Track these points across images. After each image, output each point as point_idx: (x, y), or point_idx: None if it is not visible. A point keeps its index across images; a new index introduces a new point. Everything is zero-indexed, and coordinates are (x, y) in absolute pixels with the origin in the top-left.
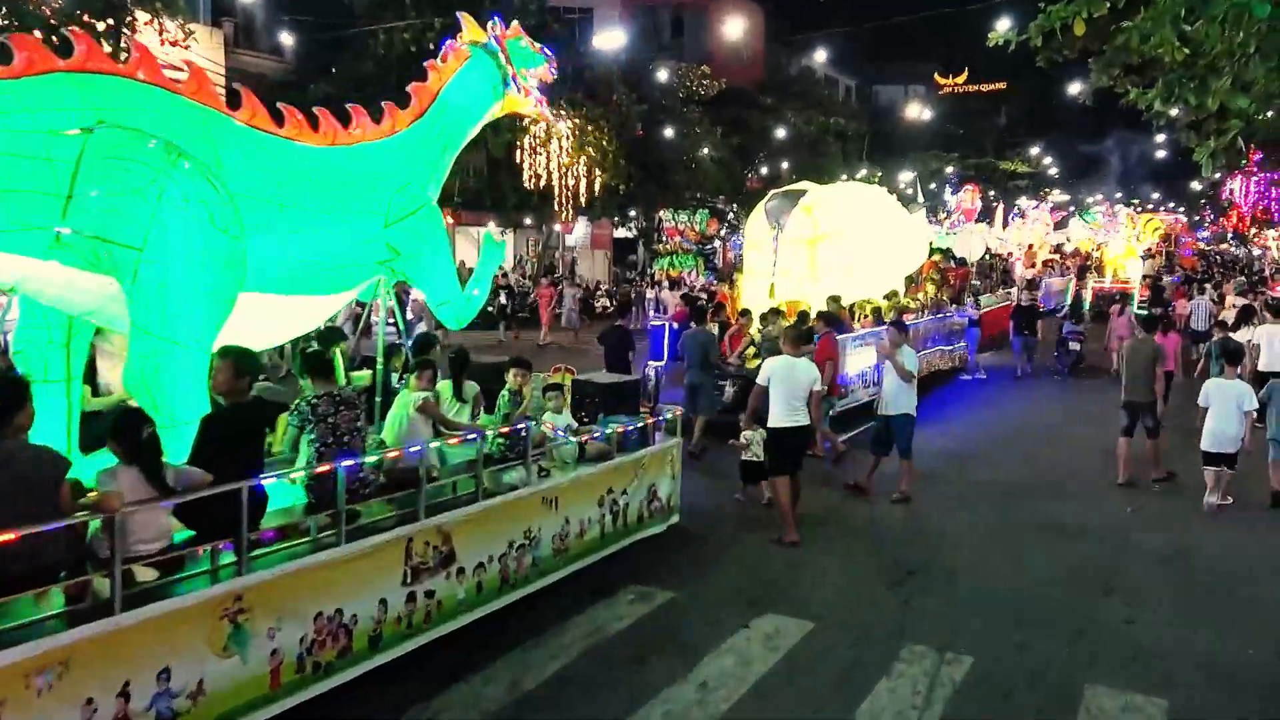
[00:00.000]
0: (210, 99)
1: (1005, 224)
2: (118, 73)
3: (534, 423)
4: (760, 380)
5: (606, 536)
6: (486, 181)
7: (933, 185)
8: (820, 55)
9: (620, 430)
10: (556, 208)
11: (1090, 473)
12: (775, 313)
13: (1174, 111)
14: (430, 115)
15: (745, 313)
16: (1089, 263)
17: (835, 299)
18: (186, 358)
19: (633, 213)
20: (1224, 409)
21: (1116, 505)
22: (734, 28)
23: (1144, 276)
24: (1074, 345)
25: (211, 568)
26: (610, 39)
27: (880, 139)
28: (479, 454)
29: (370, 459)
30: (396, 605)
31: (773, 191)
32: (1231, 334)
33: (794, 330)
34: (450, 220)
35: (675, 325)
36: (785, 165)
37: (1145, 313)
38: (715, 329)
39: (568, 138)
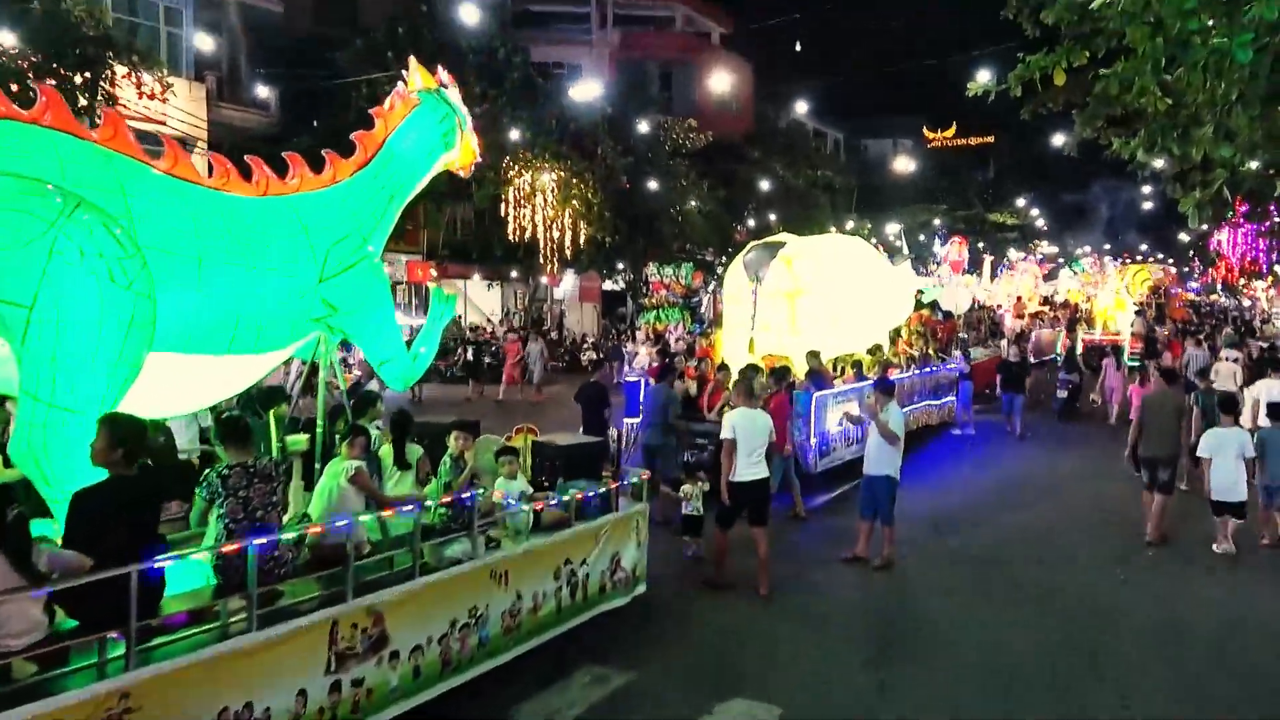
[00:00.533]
0: (125, 146)
1: (994, 276)
2: (18, 118)
3: (480, 490)
4: (725, 434)
5: (564, 611)
6: (474, 233)
7: (921, 237)
8: (808, 109)
9: (578, 496)
10: (542, 260)
11: (1081, 536)
12: (753, 368)
13: (1159, 163)
14: (375, 164)
15: (724, 368)
16: (1078, 314)
17: (815, 354)
18: (80, 426)
19: (620, 265)
20: (1226, 458)
21: (1107, 570)
22: (721, 82)
23: (1133, 328)
24: (1061, 393)
25: (99, 661)
26: (587, 90)
27: (869, 191)
28: (416, 526)
29: (288, 535)
30: (318, 697)
31: (752, 244)
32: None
33: (744, 383)
34: (435, 272)
35: (651, 381)
36: (773, 217)
37: (1138, 363)
38: (694, 385)
39: (552, 190)
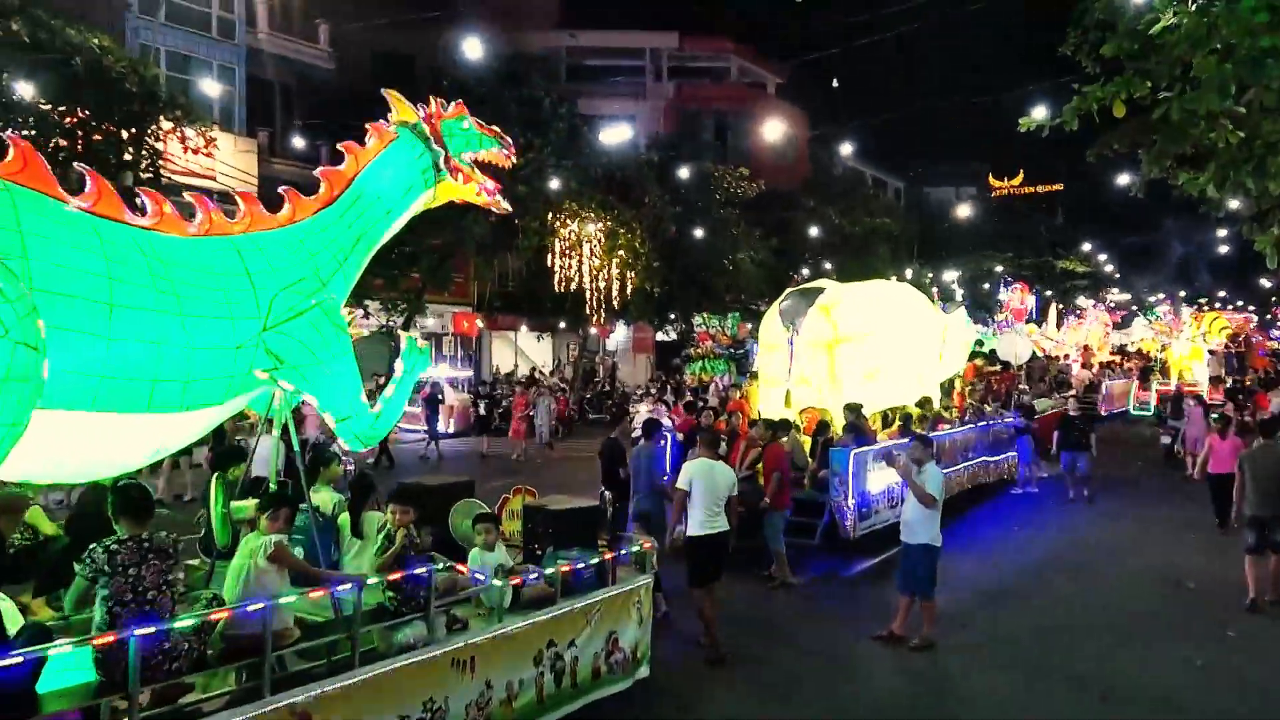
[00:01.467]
0: (35, 181)
1: (1060, 324)
2: None
3: (441, 566)
4: (681, 484)
5: (548, 700)
6: (522, 284)
7: (986, 286)
8: (865, 157)
9: (566, 569)
10: (588, 311)
11: (1146, 613)
12: (786, 424)
13: (1235, 204)
14: (341, 203)
15: (755, 423)
16: (1151, 364)
17: (854, 407)
18: None
19: (672, 316)
20: None
21: (1180, 656)
22: (776, 131)
23: (1212, 378)
24: (1165, 439)
25: None
26: (620, 133)
27: (930, 240)
28: (356, 608)
29: (184, 621)
30: None
31: (789, 290)
32: None
33: (709, 434)
34: (482, 324)
35: (680, 436)
36: (828, 266)
37: (1217, 414)
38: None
39: (598, 240)
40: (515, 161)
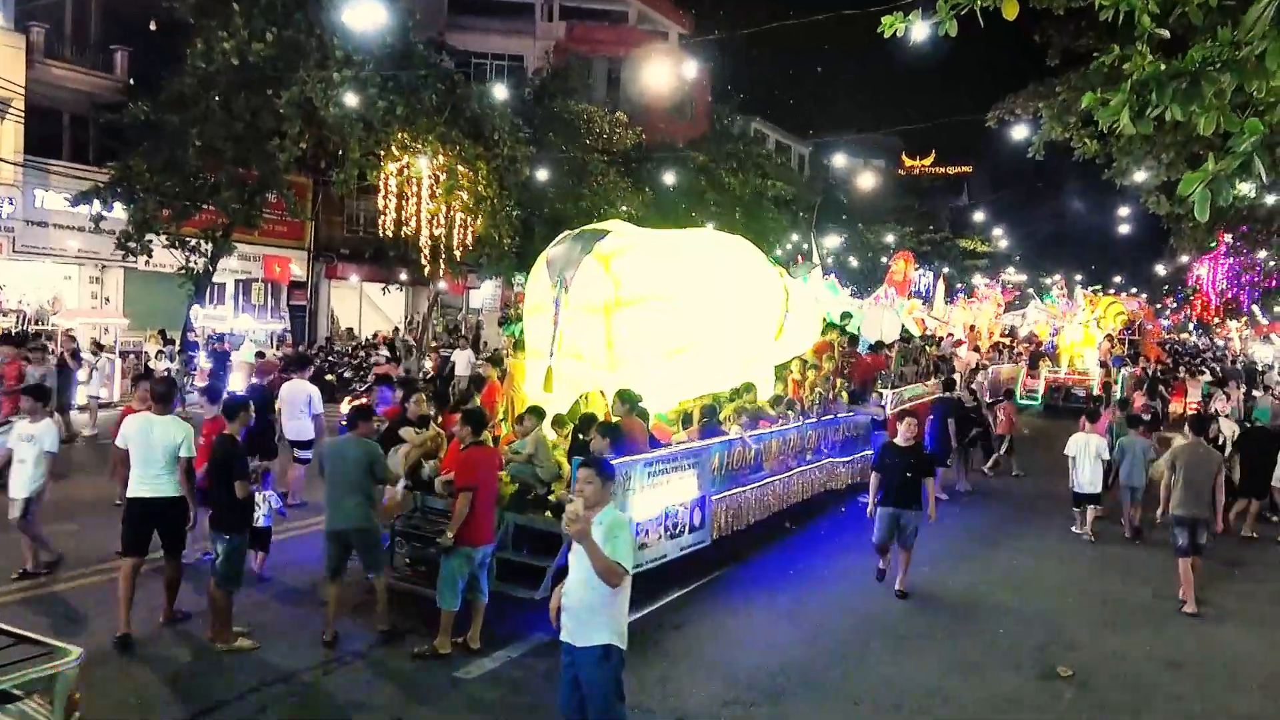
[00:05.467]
0: None
1: (949, 300)
2: None
3: None
4: (119, 442)
5: None
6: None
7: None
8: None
9: None
10: (423, 261)
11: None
12: (534, 413)
13: (1140, 176)
14: None
15: (533, 412)
16: (1040, 349)
17: (629, 398)
18: None
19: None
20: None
21: None
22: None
23: (1101, 363)
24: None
25: None
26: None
27: (833, 210)
28: None
29: None
30: None
31: (565, 233)
32: None
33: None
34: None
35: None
36: (713, 227)
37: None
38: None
39: (436, 179)
40: None
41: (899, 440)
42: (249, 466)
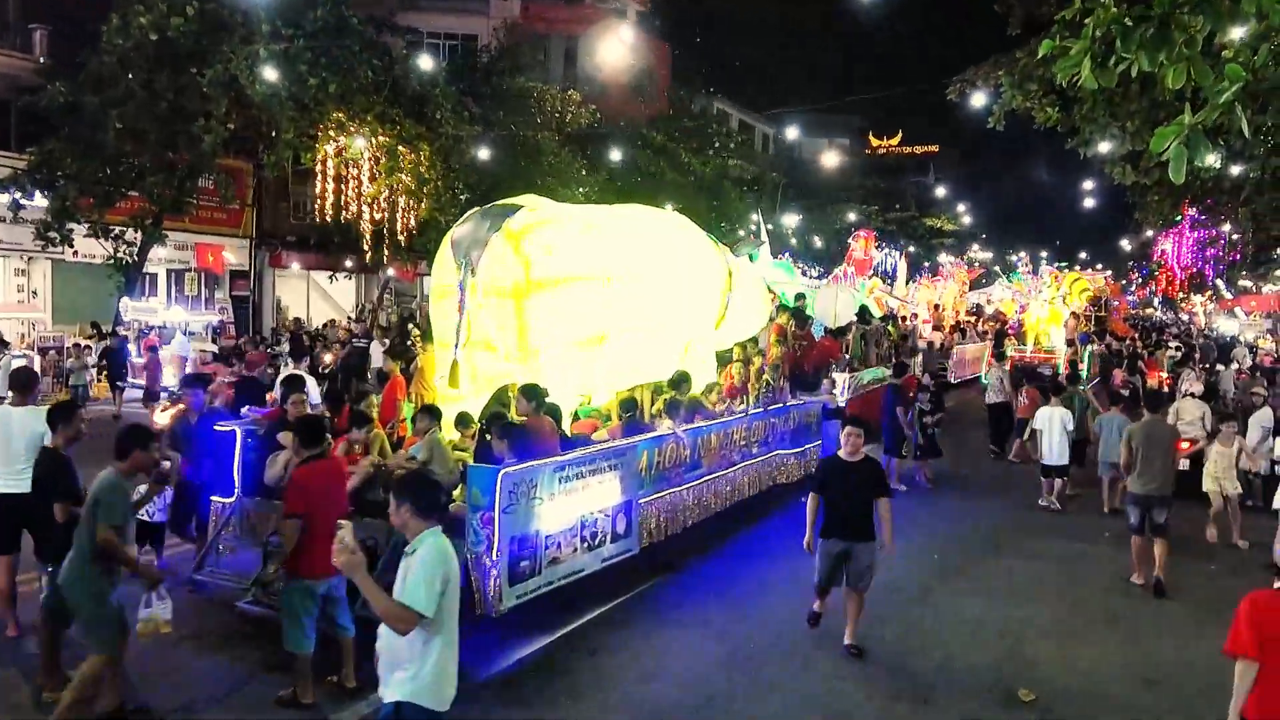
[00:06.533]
0: None
1: (910, 280)
2: None
3: None
4: None
5: None
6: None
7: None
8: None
9: None
10: (364, 246)
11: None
12: (428, 413)
13: (1104, 147)
14: None
15: (430, 410)
16: (1006, 327)
17: (535, 393)
18: None
19: None
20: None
21: None
22: (631, 61)
23: (1068, 341)
24: None
25: None
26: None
27: (799, 190)
28: None
29: None
30: None
31: (474, 210)
32: None
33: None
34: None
35: (261, 432)
36: (671, 207)
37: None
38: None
39: (376, 160)
40: None
41: (843, 453)
42: (79, 484)
